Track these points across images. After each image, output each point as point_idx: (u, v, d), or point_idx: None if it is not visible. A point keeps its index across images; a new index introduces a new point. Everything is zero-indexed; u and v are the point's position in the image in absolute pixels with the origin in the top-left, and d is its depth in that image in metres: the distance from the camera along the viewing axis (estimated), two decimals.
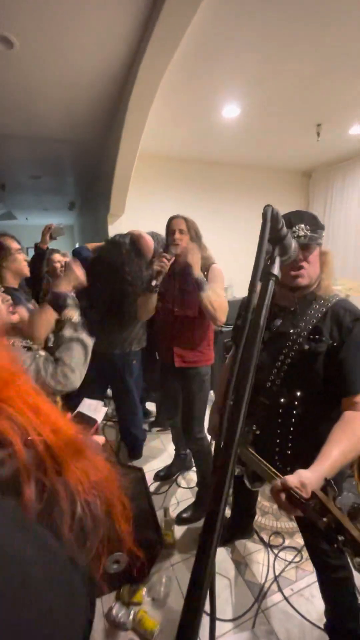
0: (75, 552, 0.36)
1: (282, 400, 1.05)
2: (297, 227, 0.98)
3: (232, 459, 0.36)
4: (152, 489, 2.10)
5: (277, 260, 0.49)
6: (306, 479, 0.74)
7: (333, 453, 0.82)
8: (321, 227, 1.02)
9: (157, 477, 2.21)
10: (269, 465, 0.91)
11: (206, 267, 1.66)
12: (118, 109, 2.73)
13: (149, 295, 1.65)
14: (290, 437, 1.06)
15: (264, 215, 0.44)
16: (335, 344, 0.98)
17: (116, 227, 3.82)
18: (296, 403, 1.04)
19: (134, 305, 1.98)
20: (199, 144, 3.76)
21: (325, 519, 0.59)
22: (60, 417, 0.40)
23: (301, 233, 0.97)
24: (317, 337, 1.00)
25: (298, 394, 1.03)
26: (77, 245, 3.02)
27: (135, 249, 2.00)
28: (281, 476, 0.79)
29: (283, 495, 0.72)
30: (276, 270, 0.48)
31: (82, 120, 3.00)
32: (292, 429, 1.05)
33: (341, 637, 1.17)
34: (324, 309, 1.03)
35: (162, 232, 3.04)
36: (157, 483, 2.17)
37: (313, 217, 1.02)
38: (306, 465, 1.04)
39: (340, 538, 0.56)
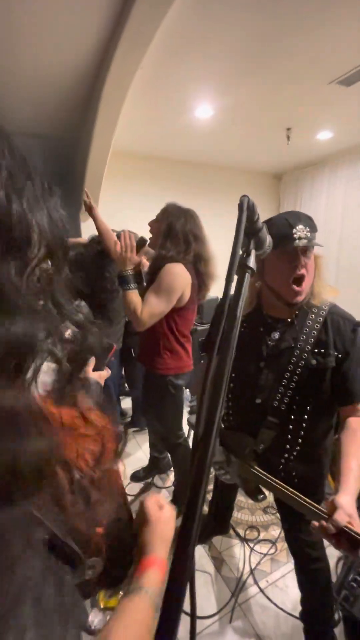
0: (79, 520, 0.39)
1: (292, 417, 0.99)
2: (297, 227, 0.88)
3: (207, 471, 0.36)
4: (127, 490, 2.07)
5: (253, 253, 0.48)
6: (348, 507, 0.72)
7: (353, 467, 0.81)
8: (316, 229, 0.94)
9: (134, 477, 2.18)
10: (304, 498, 0.82)
11: (160, 266, 1.47)
12: (90, 105, 2.67)
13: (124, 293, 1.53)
14: (298, 448, 1.02)
15: (240, 204, 0.44)
16: (340, 356, 0.94)
17: (89, 225, 3.71)
18: (305, 417, 0.99)
19: (115, 305, 1.96)
20: (173, 143, 3.76)
21: None
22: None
23: (302, 235, 0.87)
24: (322, 351, 0.95)
25: (308, 408, 0.98)
26: None
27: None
28: (324, 512, 0.75)
29: (343, 540, 0.69)
30: (252, 262, 0.47)
31: (53, 116, 2.91)
32: (299, 440, 1.01)
33: (315, 625, 1.21)
34: (322, 319, 0.97)
35: (138, 230, 3.01)
36: (134, 484, 2.14)
37: (309, 218, 0.94)
38: (307, 464, 1.03)
39: None
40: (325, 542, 1.05)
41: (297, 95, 2.72)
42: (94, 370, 0.91)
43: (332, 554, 1.62)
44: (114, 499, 0.46)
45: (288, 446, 1.02)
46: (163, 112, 2.97)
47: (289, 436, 1.01)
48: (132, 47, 1.90)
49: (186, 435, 1.86)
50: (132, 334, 2.32)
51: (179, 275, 1.45)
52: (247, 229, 0.49)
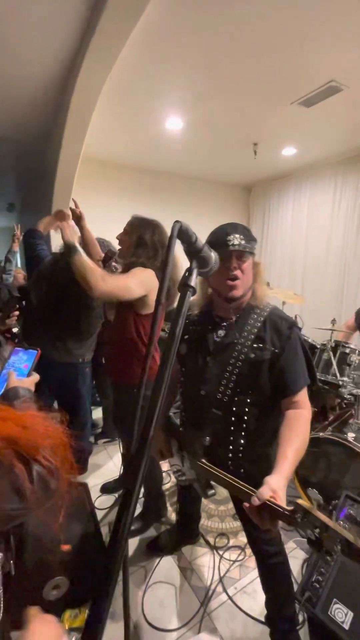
0: (40, 505, 0.46)
1: (234, 409, 1.06)
2: (232, 236, 1.02)
3: (142, 468, 0.38)
4: (97, 503, 2.02)
5: (195, 273, 0.51)
6: (275, 484, 0.77)
7: (289, 454, 0.88)
8: (254, 239, 1.07)
9: (104, 489, 2.13)
10: (237, 480, 0.88)
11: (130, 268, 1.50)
12: (59, 112, 2.66)
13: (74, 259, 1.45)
14: (242, 441, 1.08)
15: (172, 230, 0.47)
16: (277, 351, 1.04)
17: (59, 232, 3.67)
18: (247, 409, 1.06)
19: (93, 315, 1.92)
20: (145, 153, 3.81)
21: (317, 530, 0.63)
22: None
23: (236, 242, 1.01)
24: (260, 345, 1.04)
25: (248, 400, 1.06)
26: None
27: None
28: (253, 490, 0.79)
29: (262, 511, 0.73)
30: (193, 282, 0.49)
31: (23, 120, 2.86)
32: (243, 433, 1.08)
33: (279, 624, 1.24)
34: (262, 318, 1.08)
35: (110, 238, 2.99)
36: (103, 497, 2.10)
37: (246, 229, 1.07)
38: (255, 463, 1.09)
39: (336, 548, 0.60)
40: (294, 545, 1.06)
41: (263, 113, 2.86)
42: None
43: (298, 555, 1.67)
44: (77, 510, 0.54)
45: (232, 438, 1.08)
46: (133, 121, 3.01)
47: (232, 428, 1.08)
48: (100, 58, 1.92)
49: None
50: (103, 344, 2.29)
51: (147, 276, 1.48)
52: (188, 250, 0.51)
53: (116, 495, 2.12)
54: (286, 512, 0.70)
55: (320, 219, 4.18)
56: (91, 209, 3.91)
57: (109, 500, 2.06)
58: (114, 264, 1.83)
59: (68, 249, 1.39)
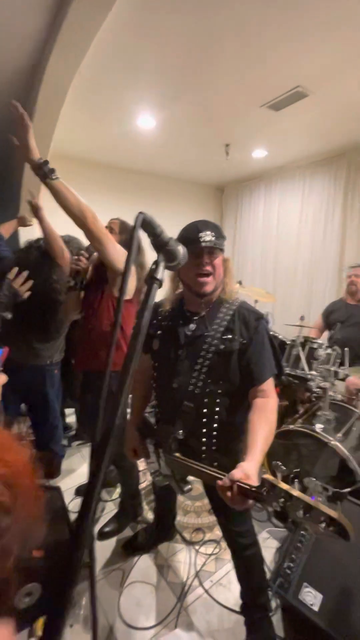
0: None
1: (205, 400, 1.09)
2: (203, 232, 1.04)
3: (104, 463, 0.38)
4: (71, 506, 1.98)
5: (162, 266, 0.51)
6: (248, 470, 0.81)
7: (258, 440, 0.92)
8: (224, 236, 1.11)
9: (79, 492, 2.09)
10: (208, 467, 0.93)
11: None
12: (26, 106, 2.56)
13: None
14: (215, 433, 1.11)
15: (135, 221, 0.47)
16: (245, 342, 1.07)
17: (27, 230, 3.54)
18: (219, 401, 1.09)
19: (60, 314, 1.88)
20: (116, 151, 3.76)
21: (282, 499, 0.65)
22: None
23: (207, 238, 1.04)
24: (230, 337, 1.08)
25: (219, 391, 1.08)
26: None
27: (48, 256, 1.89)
28: (224, 474, 0.83)
29: (234, 490, 0.78)
30: (159, 274, 0.50)
31: None
32: (215, 425, 1.11)
33: (253, 613, 1.27)
34: (231, 311, 1.11)
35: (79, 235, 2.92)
36: (77, 500, 2.05)
37: (217, 226, 1.10)
38: (228, 456, 1.11)
39: (299, 513, 0.63)
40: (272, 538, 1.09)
41: (233, 114, 2.91)
42: None
43: (271, 545, 1.72)
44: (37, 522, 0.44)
45: (204, 430, 1.11)
46: (104, 118, 2.97)
47: (204, 420, 1.10)
48: (68, 53, 1.88)
49: None
50: (73, 345, 2.24)
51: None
52: (153, 243, 0.52)
53: None
54: (253, 489, 0.73)
55: (290, 220, 4.32)
56: (52, 205, 3.82)
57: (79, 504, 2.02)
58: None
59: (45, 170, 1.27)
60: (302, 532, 1.43)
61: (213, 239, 1.04)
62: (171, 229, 1.25)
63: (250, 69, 2.26)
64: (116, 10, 1.63)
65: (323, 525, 0.61)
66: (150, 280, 0.50)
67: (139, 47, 2.03)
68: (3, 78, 2.26)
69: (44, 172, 1.26)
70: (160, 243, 0.53)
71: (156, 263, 0.52)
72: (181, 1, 1.69)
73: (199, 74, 2.31)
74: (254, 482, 0.80)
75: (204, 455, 1.12)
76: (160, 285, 0.51)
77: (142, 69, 2.26)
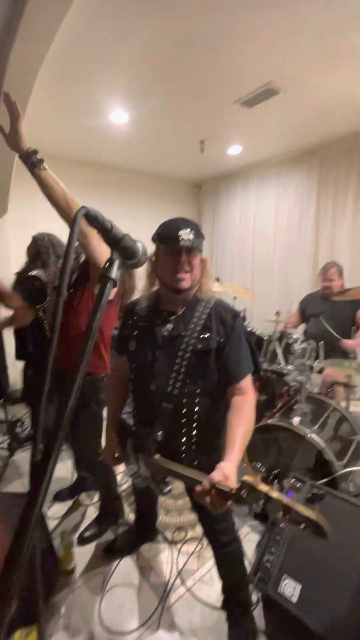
0: None
1: (184, 401, 1.07)
2: (183, 231, 1.02)
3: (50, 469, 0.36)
4: (49, 513, 1.93)
5: (116, 264, 0.49)
6: (227, 470, 0.80)
7: (237, 439, 0.92)
8: (202, 236, 1.09)
9: (58, 497, 2.04)
10: (188, 470, 0.92)
11: None
12: None
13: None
14: (195, 432, 1.10)
15: (75, 215, 0.44)
16: (222, 340, 1.07)
17: (3, 222, 3.41)
18: (197, 400, 1.08)
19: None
20: (90, 146, 3.66)
21: (262, 501, 0.65)
22: None
23: (187, 237, 1.02)
24: (207, 335, 1.07)
25: (198, 391, 1.07)
26: None
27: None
28: (205, 475, 0.82)
29: (212, 495, 0.77)
30: (113, 274, 0.47)
31: None
32: (195, 425, 1.10)
33: (234, 608, 1.28)
34: (208, 310, 1.10)
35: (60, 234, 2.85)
36: (55, 506, 2.00)
37: (196, 225, 1.08)
38: (208, 454, 1.11)
39: (279, 514, 0.62)
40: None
41: (206, 110, 2.89)
42: None
43: (252, 539, 1.74)
44: None
45: (184, 430, 1.10)
46: (75, 112, 2.88)
47: (184, 420, 1.09)
48: (32, 43, 1.80)
49: None
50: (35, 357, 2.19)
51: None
52: (106, 239, 0.49)
53: (70, 503, 2.03)
54: (233, 492, 0.73)
55: (266, 216, 4.37)
56: (34, 203, 3.70)
57: (61, 509, 1.98)
58: None
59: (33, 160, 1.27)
60: (280, 525, 1.45)
61: (192, 238, 1.03)
62: (149, 225, 1.23)
63: (222, 65, 2.25)
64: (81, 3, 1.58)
65: (302, 525, 0.61)
66: (103, 279, 0.47)
67: (107, 39, 1.98)
68: None
69: (32, 162, 1.26)
70: (112, 239, 0.50)
71: (110, 261, 0.49)
72: None
73: (172, 68, 2.27)
74: (233, 482, 0.80)
75: (184, 455, 1.11)
76: (114, 285, 0.48)
77: (113, 62, 2.20)
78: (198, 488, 0.79)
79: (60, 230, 2.73)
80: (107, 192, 4.32)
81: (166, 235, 1.03)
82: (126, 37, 1.96)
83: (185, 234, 1.02)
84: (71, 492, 2.07)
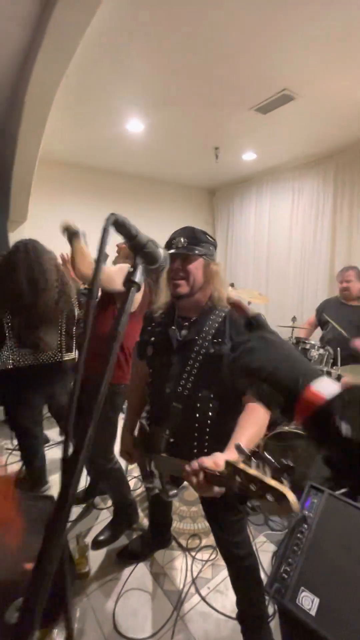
0: None
1: (198, 405, 1.08)
2: (176, 239, 1.09)
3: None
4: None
5: (140, 269, 0.51)
6: (219, 459, 0.80)
7: (242, 440, 0.92)
8: (204, 242, 1.11)
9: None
10: (181, 460, 0.93)
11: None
12: (13, 110, 2.55)
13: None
14: (207, 437, 1.10)
15: (105, 222, 0.46)
16: None
17: (18, 235, 3.51)
18: (211, 405, 1.08)
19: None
20: (107, 154, 3.75)
21: (238, 479, 0.64)
22: None
23: (179, 245, 1.09)
24: (219, 340, 1.08)
25: (211, 396, 1.08)
26: None
27: None
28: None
29: (199, 477, 0.78)
30: (137, 277, 0.50)
31: None
32: (207, 429, 1.10)
33: (249, 623, 1.25)
34: (222, 316, 1.11)
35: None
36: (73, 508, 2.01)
37: (194, 232, 1.12)
38: None
39: (252, 487, 0.60)
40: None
41: (222, 117, 2.92)
42: None
43: (267, 549, 1.70)
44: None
45: (196, 434, 1.10)
46: (93, 122, 2.96)
47: (197, 424, 1.09)
48: (54, 56, 1.87)
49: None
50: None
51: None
52: (130, 245, 0.52)
53: (83, 505, 2.05)
54: (217, 473, 0.74)
55: (281, 222, 4.35)
56: (52, 212, 3.80)
57: (75, 512, 1.99)
58: None
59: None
60: (297, 534, 1.41)
61: (185, 244, 1.07)
62: (163, 233, 1.26)
63: (238, 73, 2.27)
64: (102, 12, 1.63)
65: (268, 496, 0.59)
66: (127, 283, 0.49)
67: (125, 51, 2.04)
68: None
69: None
70: (137, 245, 0.52)
71: (134, 266, 0.51)
72: (168, 5, 1.70)
73: (188, 77, 2.32)
74: (221, 467, 0.79)
75: (195, 459, 1.11)
76: (138, 289, 0.50)
77: (130, 73, 2.26)
78: (187, 467, 0.82)
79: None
80: (122, 199, 4.40)
81: (166, 243, 1.11)
82: (143, 48, 2.02)
83: (178, 242, 1.08)
84: (85, 495, 2.08)
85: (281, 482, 0.59)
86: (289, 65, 2.20)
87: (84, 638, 1.33)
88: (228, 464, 0.69)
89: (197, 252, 1.09)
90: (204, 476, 0.78)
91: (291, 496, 0.57)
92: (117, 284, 1.53)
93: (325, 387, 0.41)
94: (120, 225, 0.49)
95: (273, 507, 0.58)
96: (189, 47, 2.01)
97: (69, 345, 1.99)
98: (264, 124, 3.00)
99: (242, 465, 0.65)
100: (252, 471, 0.63)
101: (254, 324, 0.59)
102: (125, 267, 1.60)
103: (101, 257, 0.41)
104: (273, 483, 0.58)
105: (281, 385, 0.44)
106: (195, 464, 0.80)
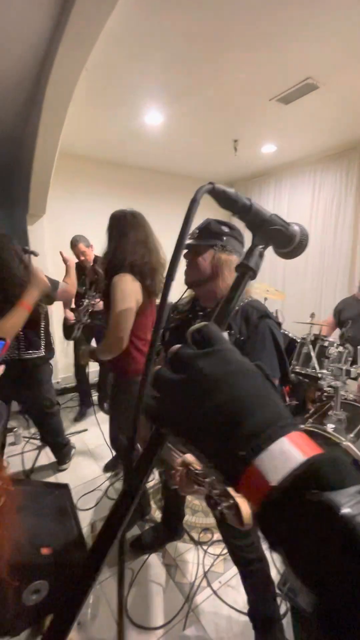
0: None
1: None
2: (192, 231, 1.11)
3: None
4: (79, 504, 1.98)
5: (257, 251, 0.40)
6: None
7: None
8: (217, 232, 1.10)
9: (107, 468, 2.34)
10: (177, 452, 0.91)
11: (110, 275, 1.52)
12: (34, 104, 2.57)
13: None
14: None
15: (196, 193, 0.36)
16: (242, 339, 1.04)
17: (36, 228, 3.57)
18: None
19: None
20: (124, 148, 3.74)
21: (207, 480, 0.61)
22: None
23: (193, 236, 1.11)
24: (227, 331, 1.05)
25: None
26: None
27: None
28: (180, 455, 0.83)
29: (181, 473, 0.77)
30: (253, 262, 0.40)
31: None
32: None
33: (260, 622, 1.25)
34: (237, 308, 1.09)
35: (88, 234, 2.97)
36: (86, 497, 2.06)
37: (208, 224, 1.11)
38: None
39: (216, 491, 0.58)
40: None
41: (242, 109, 2.86)
42: None
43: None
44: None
45: None
46: (112, 116, 2.95)
47: None
48: (74, 48, 1.86)
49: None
50: None
51: (125, 286, 1.49)
52: (246, 221, 0.41)
53: (98, 496, 2.08)
54: (196, 471, 0.72)
55: (300, 217, 4.24)
56: (70, 205, 3.84)
57: (91, 500, 2.03)
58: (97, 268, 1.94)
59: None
60: None
61: (195, 235, 1.10)
62: (179, 226, 1.25)
63: (259, 62, 2.21)
64: (122, 3, 1.61)
65: (225, 505, 0.56)
66: (240, 267, 0.39)
67: (145, 41, 2.01)
68: (11, 76, 2.27)
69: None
70: (254, 220, 0.40)
71: (251, 248, 0.40)
72: None
73: (207, 68, 2.27)
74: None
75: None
76: (254, 277, 0.40)
77: (149, 64, 2.23)
78: (178, 460, 0.82)
79: (91, 232, 2.83)
80: (139, 193, 4.39)
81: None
82: (163, 39, 1.98)
83: (194, 233, 1.11)
84: (111, 465, 2.33)
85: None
86: (314, 53, 2.12)
87: (97, 624, 1.36)
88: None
89: (204, 243, 1.10)
90: (186, 472, 0.76)
91: (245, 508, 0.53)
92: (130, 317, 1.52)
93: (274, 462, 0.24)
94: (222, 197, 0.38)
95: (229, 516, 0.55)
96: (210, 37, 1.97)
97: (32, 343, 1.92)
98: (285, 114, 2.92)
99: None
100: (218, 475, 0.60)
101: (198, 339, 0.34)
102: (118, 293, 1.50)
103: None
104: (231, 491, 0.55)
105: (212, 453, 0.27)
106: (179, 460, 0.80)
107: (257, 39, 1.99)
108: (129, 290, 1.48)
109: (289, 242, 0.43)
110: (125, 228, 1.54)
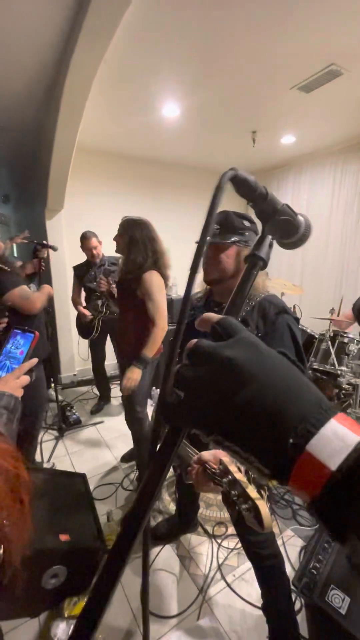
0: None
1: None
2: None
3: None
4: (95, 493, 2.03)
5: (267, 241, 0.40)
6: (220, 453, 0.77)
7: None
8: (238, 227, 1.07)
9: (124, 459, 2.38)
10: (193, 450, 0.91)
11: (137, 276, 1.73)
12: (52, 98, 2.59)
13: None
14: None
15: (220, 179, 0.36)
16: (259, 335, 1.02)
17: (55, 223, 3.63)
18: None
19: None
20: (141, 141, 3.73)
21: (226, 481, 0.60)
22: None
23: (210, 236, 1.07)
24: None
25: None
26: None
27: None
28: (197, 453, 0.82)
29: (197, 470, 0.76)
30: (264, 252, 0.39)
31: (15, 108, 2.78)
32: None
33: (274, 617, 1.24)
34: (253, 304, 1.07)
35: (105, 228, 3.00)
36: (102, 487, 2.10)
37: (226, 218, 1.07)
38: None
39: (234, 493, 0.57)
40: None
41: (261, 99, 2.79)
42: None
43: (295, 543, 1.68)
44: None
45: None
46: (129, 109, 2.94)
47: None
48: (93, 41, 1.86)
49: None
50: None
51: (157, 279, 1.73)
52: (257, 211, 0.41)
53: (113, 488, 2.12)
54: (212, 470, 0.71)
55: (319, 209, 4.13)
56: (88, 198, 3.87)
57: (108, 490, 2.07)
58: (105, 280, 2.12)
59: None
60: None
61: (217, 231, 1.07)
62: (197, 219, 1.25)
63: (279, 48, 2.14)
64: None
65: (245, 507, 0.55)
66: (250, 258, 0.39)
67: (163, 34, 1.98)
68: (30, 71, 2.29)
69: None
70: (267, 209, 0.39)
71: (261, 238, 0.40)
72: None
73: (225, 56, 2.22)
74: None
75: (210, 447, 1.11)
76: (264, 267, 0.40)
77: (167, 55, 2.20)
78: (194, 457, 0.82)
79: (108, 227, 2.84)
80: (155, 186, 4.38)
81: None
82: (181, 27, 1.94)
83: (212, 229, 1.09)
84: (128, 456, 2.40)
85: (261, 494, 0.54)
86: (338, 37, 2.04)
87: (112, 609, 1.40)
88: (221, 461, 0.66)
89: (228, 240, 1.05)
90: (203, 470, 0.75)
91: (264, 511, 0.52)
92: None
93: (331, 445, 0.22)
94: (242, 183, 0.38)
95: (248, 517, 0.54)
96: (227, 24, 1.92)
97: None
98: (306, 103, 2.83)
99: (232, 467, 0.62)
100: (239, 474, 0.59)
101: (220, 331, 0.33)
102: (155, 288, 1.72)
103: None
104: (250, 492, 0.54)
105: (253, 447, 0.25)
106: (195, 457, 0.80)
107: (276, 24, 1.92)
108: (162, 284, 1.75)
109: (294, 233, 0.43)
110: (146, 232, 1.75)
